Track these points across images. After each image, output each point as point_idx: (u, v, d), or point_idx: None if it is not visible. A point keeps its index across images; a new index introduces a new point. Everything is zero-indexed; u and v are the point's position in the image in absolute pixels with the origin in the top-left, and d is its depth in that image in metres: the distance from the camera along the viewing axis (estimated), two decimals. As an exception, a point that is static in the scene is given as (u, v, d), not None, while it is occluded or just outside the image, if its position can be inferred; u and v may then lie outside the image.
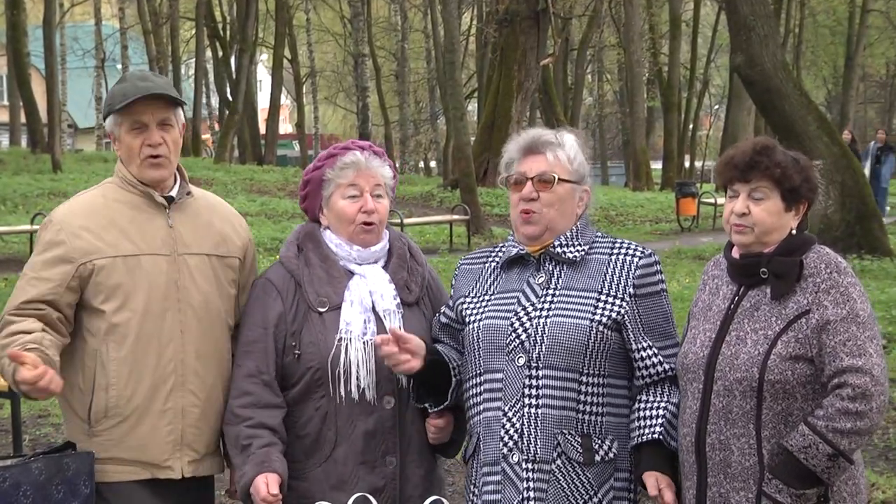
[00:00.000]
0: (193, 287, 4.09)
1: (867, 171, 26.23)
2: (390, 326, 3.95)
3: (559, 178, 3.93)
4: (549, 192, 3.92)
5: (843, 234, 18.38)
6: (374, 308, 4.04)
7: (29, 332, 3.88)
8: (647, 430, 3.82)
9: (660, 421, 3.82)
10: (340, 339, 3.98)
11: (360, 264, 4.09)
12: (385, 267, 4.12)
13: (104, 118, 4.20)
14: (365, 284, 4.05)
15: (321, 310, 4.01)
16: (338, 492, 3.96)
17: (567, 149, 3.97)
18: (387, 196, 4.13)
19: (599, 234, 4.03)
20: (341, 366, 3.96)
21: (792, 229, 3.76)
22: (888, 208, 28.17)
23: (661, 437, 3.81)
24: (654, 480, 3.79)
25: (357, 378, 3.96)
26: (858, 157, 26.16)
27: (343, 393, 3.97)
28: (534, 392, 3.82)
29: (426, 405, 4.02)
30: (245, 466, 3.92)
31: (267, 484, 3.85)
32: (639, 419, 3.86)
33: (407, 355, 3.90)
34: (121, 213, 4.08)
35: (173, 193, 4.15)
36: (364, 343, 3.98)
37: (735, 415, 3.67)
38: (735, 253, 3.83)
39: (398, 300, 4.08)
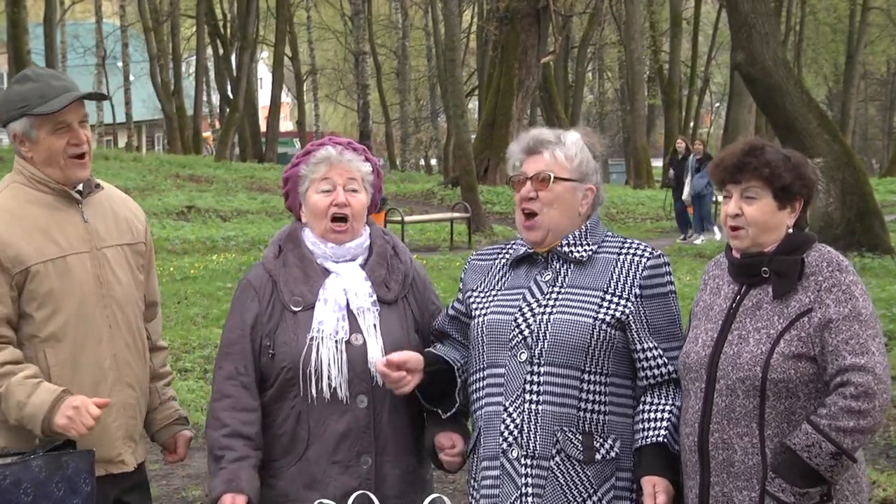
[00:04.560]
0: (114, 280, 4.10)
1: (687, 189, 24.28)
2: (386, 357, 3.92)
3: (556, 177, 3.92)
4: (546, 190, 3.91)
5: (844, 232, 18.36)
6: (349, 306, 4.02)
7: (17, 364, 3.91)
8: (650, 433, 3.81)
9: (664, 424, 3.81)
10: (312, 338, 3.96)
11: (336, 262, 4.07)
12: (364, 264, 4.11)
13: (8, 120, 4.05)
14: (340, 283, 4.03)
15: (295, 309, 4.00)
16: (310, 491, 3.96)
17: (567, 147, 3.96)
18: (364, 190, 4.10)
19: (610, 233, 4.02)
20: (312, 365, 3.94)
21: (789, 227, 3.76)
22: (716, 228, 23.89)
23: (665, 440, 3.80)
24: (651, 487, 3.78)
25: (328, 377, 3.94)
26: (686, 166, 24.54)
27: (314, 392, 3.95)
28: (535, 388, 3.81)
29: (437, 410, 4.01)
30: (215, 480, 3.94)
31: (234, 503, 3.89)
32: (643, 421, 3.84)
33: (408, 377, 3.90)
34: (37, 214, 4.02)
35: (80, 187, 4.11)
36: (336, 342, 3.96)
37: (738, 414, 3.66)
38: (736, 252, 3.82)
39: (374, 298, 4.05)
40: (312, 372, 3.94)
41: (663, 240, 24.11)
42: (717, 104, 62.83)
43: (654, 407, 3.85)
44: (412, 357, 3.91)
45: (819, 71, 55.66)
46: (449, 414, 4.00)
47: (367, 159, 4.14)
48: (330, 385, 3.94)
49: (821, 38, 51.63)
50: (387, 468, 4.03)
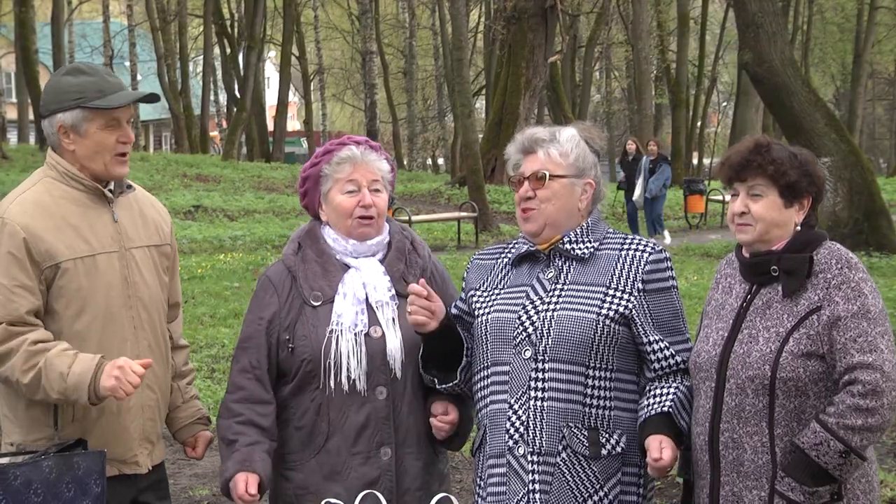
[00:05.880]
0: (141, 281, 4.12)
1: (639, 189, 23.60)
2: (420, 279, 3.98)
3: (551, 175, 3.94)
4: (543, 188, 3.94)
5: (852, 231, 18.36)
6: (367, 300, 4.06)
7: (49, 341, 3.90)
8: (656, 405, 3.81)
9: (670, 398, 3.81)
10: (331, 331, 4.00)
11: (356, 257, 4.12)
12: (383, 260, 4.15)
13: (58, 110, 4.02)
14: (359, 277, 4.08)
15: (315, 303, 4.05)
16: (331, 482, 4.01)
17: (562, 144, 3.98)
18: (385, 190, 4.16)
19: (611, 230, 4.04)
20: (332, 357, 3.99)
21: (797, 224, 3.77)
22: (667, 233, 24.18)
23: (670, 410, 3.80)
24: (657, 443, 3.73)
25: (347, 369, 3.98)
26: (638, 167, 23.70)
27: (333, 384, 3.99)
28: (540, 385, 3.82)
29: (433, 379, 4.01)
30: (227, 462, 4.00)
31: (247, 483, 3.92)
32: (648, 398, 3.85)
33: (426, 311, 3.92)
34: (70, 210, 4.03)
35: (111, 186, 4.13)
36: (355, 335, 4.00)
37: (748, 413, 3.66)
38: (746, 252, 3.83)
39: (393, 292, 4.09)
40: (332, 364, 3.99)
41: (671, 239, 24.08)
42: (725, 103, 62.76)
43: (660, 387, 3.86)
44: (438, 301, 3.95)
45: (826, 70, 55.57)
46: (446, 386, 4.01)
47: (384, 158, 4.19)
48: (349, 377, 3.99)
49: (828, 37, 51.54)
50: (408, 460, 4.07)
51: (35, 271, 3.93)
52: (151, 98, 4.20)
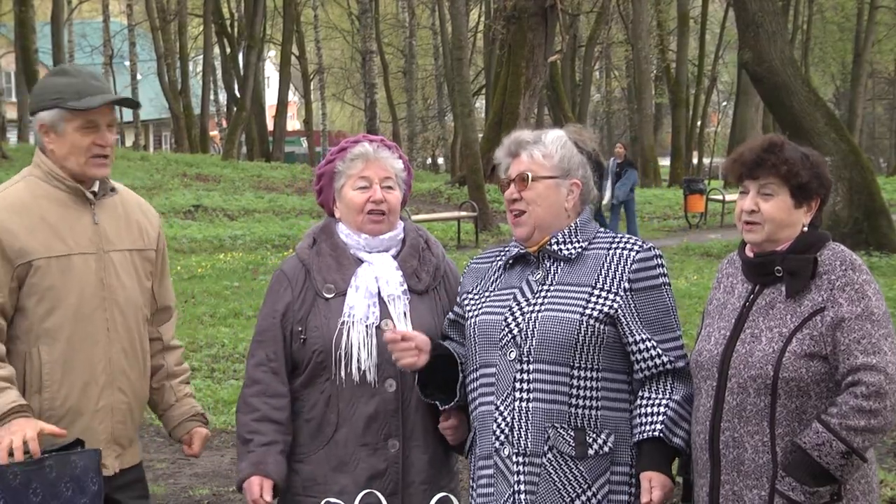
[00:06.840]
0: (118, 284, 4.12)
1: (608, 193, 22.91)
2: (394, 327, 4.00)
3: (535, 176, 3.96)
4: (528, 190, 3.96)
5: (851, 231, 18.38)
6: (380, 294, 4.10)
7: None
8: (647, 428, 3.83)
9: (660, 418, 3.82)
10: (343, 322, 4.05)
11: (369, 252, 4.16)
12: (396, 256, 4.18)
13: (38, 109, 4.08)
14: (372, 271, 4.12)
15: (328, 296, 4.10)
16: (339, 473, 4.05)
17: (547, 145, 4.00)
18: (398, 188, 4.20)
19: (602, 230, 4.06)
20: (343, 348, 4.02)
21: (804, 226, 3.76)
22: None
23: (661, 434, 3.81)
24: (647, 483, 3.80)
25: (358, 360, 4.02)
26: (605, 170, 22.67)
27: (344, 375, 4.03)
28: (524, 386, 3.84)
29: (436, 402, 4.04)
30: (242, 463, 4.05)
31: (262, 487, 3.97)
32: (640, 415, 3.86)
33: (413, 350, 3.95)
34: (49, 210, 4.05)
35: (95, 189, 4.14)
36: (366, 326, 4.04)
37: (749, 412, 3.66)
38: (749, 251, 3.82)
39: (405, 287, 4.14)
40: (343, 355, 4.03)
41: (670, 239, 24.09)
42: (725, 103, 62.79)
43: (650, 401, 3.86)
44: (419, 336, 3.98)
45: (826, 70, 55.58)
46: (447, 407, 4.03)
47: (399, 157, 4.25)
48: (359, 368, 4.03)
49: (828, 36, 51.55)
50: (415, 453, 4.10)
51: (6, 269, 3.95)
52: (130, 103, 4.19)
